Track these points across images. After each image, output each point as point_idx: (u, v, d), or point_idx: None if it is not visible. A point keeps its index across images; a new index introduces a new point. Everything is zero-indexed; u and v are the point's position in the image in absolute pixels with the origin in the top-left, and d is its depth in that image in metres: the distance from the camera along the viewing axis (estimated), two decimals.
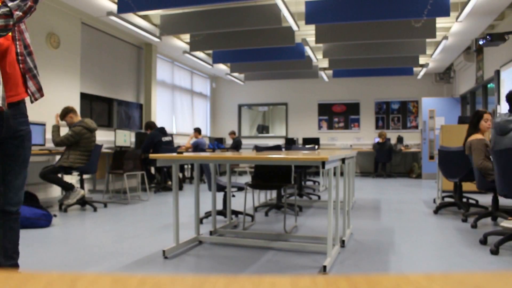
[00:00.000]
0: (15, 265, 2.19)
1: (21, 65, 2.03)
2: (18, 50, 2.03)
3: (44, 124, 5.54)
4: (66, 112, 5.29)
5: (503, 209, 4.32)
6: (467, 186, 5.30)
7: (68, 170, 5.26)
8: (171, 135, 7.69)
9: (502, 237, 3.23)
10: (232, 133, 11.27)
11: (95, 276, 0.32)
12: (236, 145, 10.67)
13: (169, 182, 7.62)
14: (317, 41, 7.00)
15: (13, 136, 2.04)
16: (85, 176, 6.01)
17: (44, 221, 4.12)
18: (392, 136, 11.62)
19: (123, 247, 3.40)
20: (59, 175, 5.27)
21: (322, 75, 11.27)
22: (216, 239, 3.62)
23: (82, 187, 5.41)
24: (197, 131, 9.54)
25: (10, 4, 1.82)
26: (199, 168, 3.84)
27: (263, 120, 13.78)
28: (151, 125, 7.58)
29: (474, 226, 4.13)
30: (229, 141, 12.70)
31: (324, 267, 2.68)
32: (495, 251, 3.11)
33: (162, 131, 7.43)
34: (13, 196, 2.11)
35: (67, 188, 5.16)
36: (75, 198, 5.08)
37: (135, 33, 7.80)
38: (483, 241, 3.42)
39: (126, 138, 7.25)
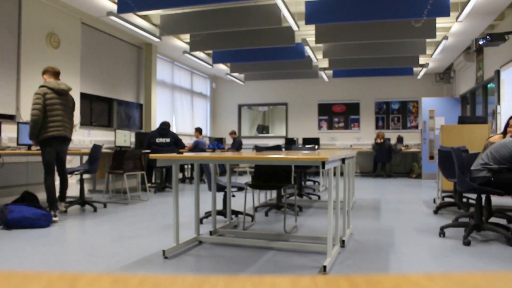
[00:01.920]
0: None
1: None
2: None
3: None
4: (43, 72, 4.67)
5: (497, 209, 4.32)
6: None
7: (50, 143, 4.52)
8: (173, 136, 7.60)
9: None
10: (233, 132, 11.24)
11: (95, 276, 0.32)
12: (238, 145, 10.61)
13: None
14: (317, 41, 6.99)
15: None
16: (85, 176, 6.01)
17: (44, 221, 4.11)
18: (392, 136, 11.63)
19: (123, 247, 3.40)
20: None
21: (322, 75, 11.27)
22: (216, 239, 3.62)
23: (82, 187, 5.40)
24: (198, 130, 9.54)
25: None
26: (199, 168, 3.84)
27: (263, 120, 13.78)
28: (161, 123, 7.63)
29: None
30: (229, 141, 12.70)
31: (324, 267, 2.68)
32: (442, 234, 3.62)
33: (161, 132, 7.43)
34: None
35: (51, 202, 4.52)
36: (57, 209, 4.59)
37: (135, 33, 7.80)
38: (441, 234, 3.74)
39: (126, 138, 7.25)
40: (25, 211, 4.06)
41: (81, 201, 5.29)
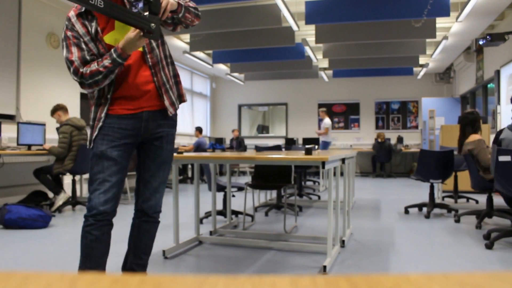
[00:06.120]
0: (142, 266, 2.24)
1: (154, 78, 2.06)
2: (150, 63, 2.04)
3: (44, 124, 5.54)
4: (56, 109, 5.15)
5: (498, 209, 4.33)
6: (466, 186, 5.30)
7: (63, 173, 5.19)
8: None
9: (499, 233, 3.37)
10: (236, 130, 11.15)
11: (95, 276, 0.32)
12: (241, 144, 10.52)
13: None
14: (317, 41, 7.00)
15: (153, 138, 2.10)
16: (85, 176, 6.00)
17: (40, 222, 4.08)
18: (392, 136, 11.63)
19: (123, 247, 3.39)
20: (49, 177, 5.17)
21: (322, 75, 11.27)
22: (216, 239, 3.62)
23: (74, 187, 5.33)
24: (199, 130, 9.53)
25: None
26: (199, 168, 3.84)
27: (263, 120, 13.79)
28: None
29: (478, 227, 4.14)
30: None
31: (324, 267, 2.68)
32: (490, 246, 3.28)
33: None
34: (150, 196, 2.16)
35: (55, 192, 5.09)
36: (60, 200, 5.03)
37: None
38: (487, 238, 3.49)
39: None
40: (23, 211, 4.05)
41: (73, 201, 5.22)
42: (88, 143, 2.07)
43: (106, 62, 1.87)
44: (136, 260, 2.24)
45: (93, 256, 2.02)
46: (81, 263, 2.03)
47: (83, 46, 1.96)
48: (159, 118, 2.09)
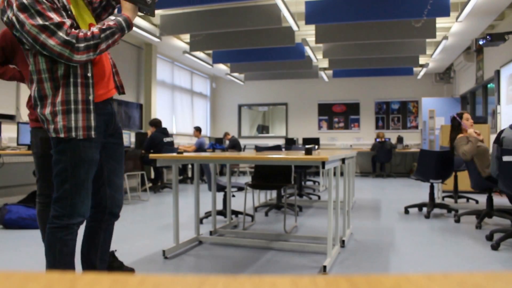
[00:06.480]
0: (106, 265, 2.16)
1: (111, 61, 1.97)
2: None
3: None
4: None
5: (498, 209, 4.33)
6: (466, 186, 5.30)
7: None
8: (171, 135, 7.73)
9: (503, 234, 3.37)
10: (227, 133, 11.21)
11: (95, 276, 0.32)
12: (234, 145, 10.61)
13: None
14: (317, 41, 7.00)
15: (115, 134, 1.96)
16: None
17: None
18: (392, 136, 11.62)
19: (123, 247, 3.39)
20: None
21: (322, 75, 11.27)
22: (216, 239, 3.62)
23: None
24: (198, 130, 9.53)
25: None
26: (199, 168, 3.84)
27: (263, 120, 13.79)
28: (156, 123, 7.55)
29: (478, 226, 4.14)
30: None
31: (324, 267, 2.68)
32: (495, 247, 3.26)
33: (164, 131, 7.45)
34: (118, 196, 2.06)
35: None
36: None
37: (135, 33, 7.80)
38: (490, 239, 3.53)
39: (126, 138, 7.25)
40: (23, 211, 4.05)
41: None
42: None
43: (110, 22, 1.70)
44: (102, 265, 2.11)
45: (71, 264, 1.86)
46: (50, 267, 1.85)
47: (63, 12, 1.65)
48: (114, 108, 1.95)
